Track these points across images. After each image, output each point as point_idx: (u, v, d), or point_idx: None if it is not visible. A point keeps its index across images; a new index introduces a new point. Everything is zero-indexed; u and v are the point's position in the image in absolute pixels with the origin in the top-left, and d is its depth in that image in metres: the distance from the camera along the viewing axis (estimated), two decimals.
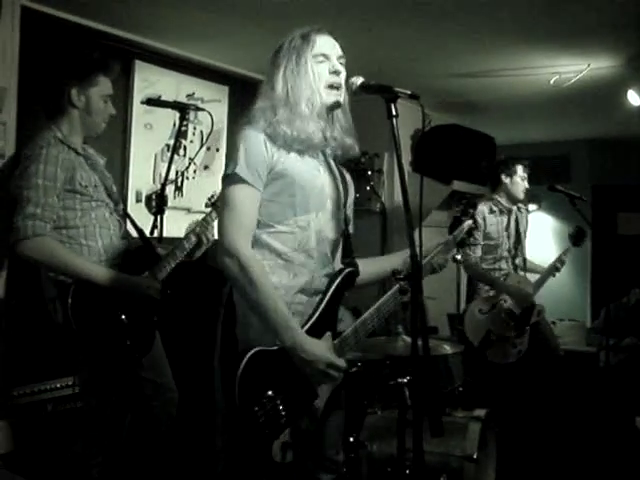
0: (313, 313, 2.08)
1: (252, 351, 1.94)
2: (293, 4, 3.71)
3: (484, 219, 4.49)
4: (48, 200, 2.60)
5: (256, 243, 2.06)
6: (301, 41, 2.11)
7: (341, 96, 2.12)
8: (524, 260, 4.68)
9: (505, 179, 4.59)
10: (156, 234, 3.17)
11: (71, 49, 3.18)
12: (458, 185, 5.85)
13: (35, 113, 2.94)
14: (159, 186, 3.40)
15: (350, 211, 2.31)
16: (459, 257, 3.72)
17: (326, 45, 2.13)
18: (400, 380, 2.74)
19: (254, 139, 2.03)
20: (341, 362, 2.03)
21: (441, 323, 5.82)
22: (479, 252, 4.43)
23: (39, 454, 3.14)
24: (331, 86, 2.10)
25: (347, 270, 2.18)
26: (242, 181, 2.00)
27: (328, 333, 2.11)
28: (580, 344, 6.32)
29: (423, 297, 1.90)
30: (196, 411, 3.45)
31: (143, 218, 4.04)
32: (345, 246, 2.24)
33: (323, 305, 2.10)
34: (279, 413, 1.97)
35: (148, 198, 4.42)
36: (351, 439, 3.08)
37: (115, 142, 4.25)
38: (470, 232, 2.43)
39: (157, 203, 3.19)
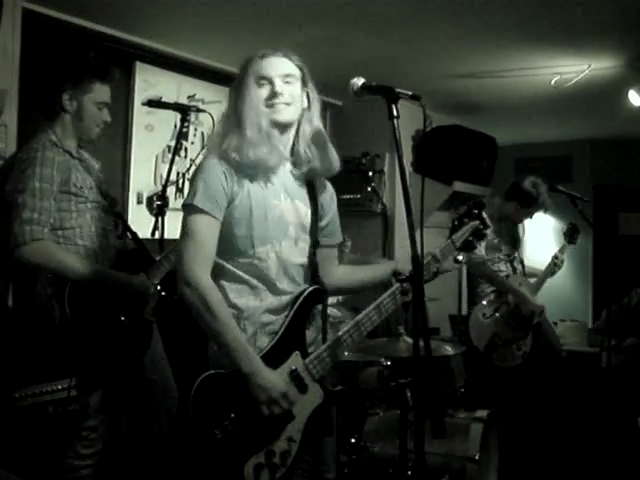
0: (276, 333, 2.09)
1: (204, 375, 1.97)
2: (293, 6, 3.71)
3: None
4: (44, 204, 2.60)
5: (222, 271, 2.09)
6: (242, 68, 2.15)
7: (285, 114, 2.11)
8: (522, 264, 4.68)
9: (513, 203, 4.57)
10: (157, 235, 3.16)
11: (70, 52, 3.16)
12: (459, 186, 5.86)
13: (36, 115, 2.94)
14: (160, 187, 3.40)
15: (329, 225, 2.30)
16: (461, 258, 3.69)
17: (268, 68, 2.13)
18: (401, 381, 2.75)
19: (212, 168, 2.06)
20: (292, 394, 2.03)
21: (442, 324, 5.82)
22: (484, 251, 4.37)
23: (40, 456, 3.14)
24: (269, 107, 2.10)
25: (311, 288, 2.17)
26: (200, 211, 2.02)
27: (296, 352, 2.10)
28: (582, 344, 6.31)
29: (425, 298, 1.89)
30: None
31: (144, 219, 4.06)
32: (312, 267, 2.22)
33: (286, 324, 2.10)
34: (245, 435, 1.97)
35: (149, 199, 4.41)
36: (352, 440, 3.08)
37: (116, 143, 4.25)
38: (477, 233, 2.37)
39: (158, 204, 3.19)
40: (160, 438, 3.00)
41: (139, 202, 4.40)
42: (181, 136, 3.39)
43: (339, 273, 2.31)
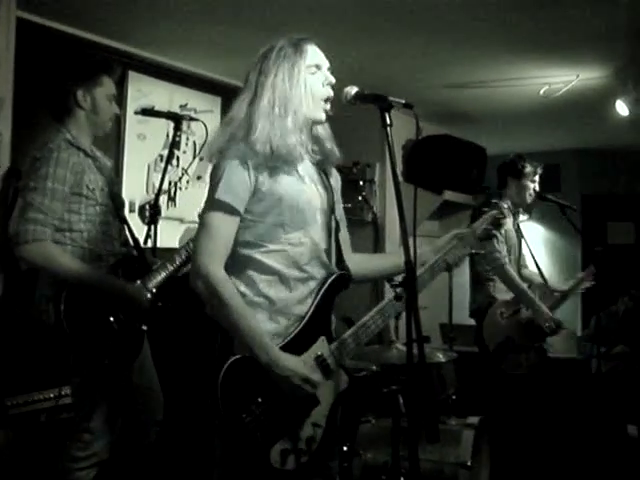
0: (303, 318, 2.07)
1: (232, 359, 1.95)
2: (287, 16, 3.75)
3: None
4: (52, 205, 2.61)
5: (251, 262, 2.06)
6: (293, 50, 2.09)
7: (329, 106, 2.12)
8: (539, 269, 4.38)
9: (511, 181, 4.24)
10: (150, 244, 3.17)
11: (72, 53, 3.20)
12: (449, 195, 5.89)
13: (30, 124, 2.95)
14: (152, 196, 3.41)
15: (339, 211, 2.29)
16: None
17: (318, 55, 2.12)
18: (394, 388, 2.76)
19: (234, 164, 2.02)
20: (317, 377, 2.02)
21: (433, 333, 5.83)
22: (505, 252, 4.12)
23: (33, 464, 3.13)
24: (326, 99, 2.09)
25: (337, 273, 2.16)
26: (221, 207, 2.00)
27: (322, 337, 2.10)
28: (571, 352, 6.35)
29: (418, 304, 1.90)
30: (186, 417, 3.45)
31: (136, 228, 4.05)
32: (337, 251, 2.22)
33: (312, 310, 2.09)
34: (271, 420, 1.96)
35: (141, 208, 4.43)
36: (345, 448, 3.09)
37: (108, 152, 4.21)
38: (497, 223, 2.37)
39: (151, 213, 3.20)
40: (147, 442, 3.01)
41: (131, 211, 4.40)
42: (174, 145, 3.40)
43: (355, 259, 2.29)
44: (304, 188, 2.11)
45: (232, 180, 2.01)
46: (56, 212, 2.63)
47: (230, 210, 2.01)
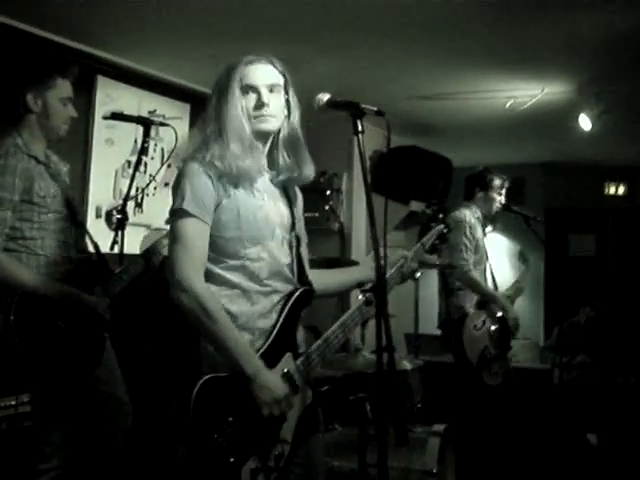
0: (269, 335, 2.07)
1: (203, 379, 1.92)
2: (257, 24, 3.76)
3: (474, 226, 4.27)
4: (0, 214, 2.57)
5: (211, 277, 2.05)
6: (227, 73, 2.10)
7: (270, 124, 2.10)
8: (492, 276, 4.49)
9: (478, 193, 4.40)
10: (116, 250, 3.15)
11: (24, 54, 3.12)
12: (415, 205, 5.94)
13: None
14: (119, 202, 3.38)
15: (301, 228, 2.29)
16: (418, 275, 3.75)
17: (254, 76, 2.09)
18: (361, 395, 2.77)
19: (198, 172, 2.02)
20: (291, 396, 2.03)
21: (397, 342, 5.85)
22: (472, 260, 4.21)
23: None
24: (256, 117, 2.08)
25: (301, 289, 2.17)
26: (190, 215, 1.99)
27: (288, 354, 2.10)
28: (534, 362, 6.44)
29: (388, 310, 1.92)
30: (155, 423, 3.42)
31: (103, 234, 4.03)
32: (299, 266, 2.23)
33: (278, 326, 2.09)
34: (242, 439, 1.95)
35: (108, 214, 4.39)
36: None
37: (76, 157, 4.21)
38: (442, 237, 2.44)
39: (118, 219, 3.17)
40: (115, 451, 2.97)
41: (98, 216, 4.37)
42: (142, 151, 3.37)
43: (313, 275, 2.30)
44: (262, 204, 2.11)
45: (199, 189, 2.01)
46: (6, 221, 2.58)
47: (201, 218, 2.00)
